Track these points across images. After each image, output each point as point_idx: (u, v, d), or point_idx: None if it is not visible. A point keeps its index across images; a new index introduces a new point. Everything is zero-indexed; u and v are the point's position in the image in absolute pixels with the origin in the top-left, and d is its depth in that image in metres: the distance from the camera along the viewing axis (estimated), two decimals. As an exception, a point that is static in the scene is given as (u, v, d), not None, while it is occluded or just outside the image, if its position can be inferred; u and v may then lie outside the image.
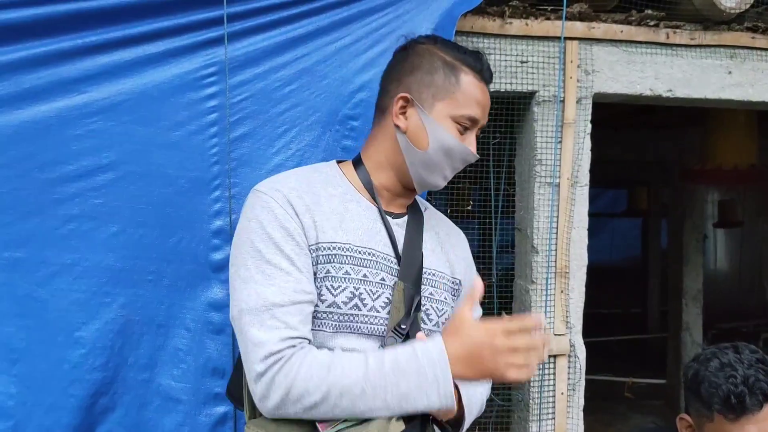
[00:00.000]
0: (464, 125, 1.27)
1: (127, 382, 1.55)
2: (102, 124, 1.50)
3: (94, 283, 1.50)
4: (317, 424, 1.11)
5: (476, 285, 1.16)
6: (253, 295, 1.12)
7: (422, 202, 1.42)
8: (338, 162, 1.35)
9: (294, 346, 1.10)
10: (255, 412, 1.17)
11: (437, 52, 1.28)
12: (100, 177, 1.50)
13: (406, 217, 1.33)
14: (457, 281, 1.38)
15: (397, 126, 1.28)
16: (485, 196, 1.95)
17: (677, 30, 1.92)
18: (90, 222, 1.49)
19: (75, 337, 1.50)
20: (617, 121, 4.75)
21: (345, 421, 1.10)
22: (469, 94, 1.26)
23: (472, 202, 1.88)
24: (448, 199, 1.93)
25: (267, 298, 1.12)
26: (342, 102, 1.64)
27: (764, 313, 8.66)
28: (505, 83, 1.82)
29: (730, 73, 1.96)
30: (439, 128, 1.25)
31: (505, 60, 1.82)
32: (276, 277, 1.13)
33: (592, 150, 1.91)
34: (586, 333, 1.94)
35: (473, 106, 1.26)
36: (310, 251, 1.18)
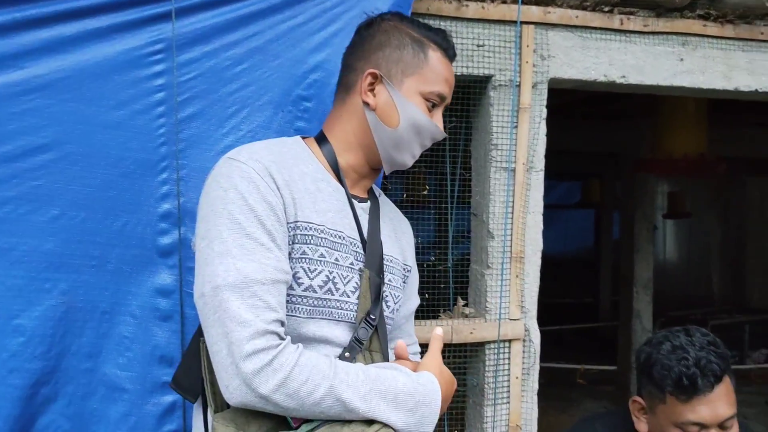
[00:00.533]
0: (433, 101, 1.25)
1: (70, 372, 1.49)
2: (41, 102, 1.42)
3: (33, 268, 1.43)
4: (291, 418, 1.06)
5: (438, 332, 1.22)
6: (232, 271, 1.04)
7: (376, 189, 1.40)
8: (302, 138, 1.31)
9: (282, 331, 1.06)
10: (218, 403, 1.10)
11: (404, 29, 1.26)
12: (38, 157, 1.42)
13: (369, 203, 1.30)
14: (408, 267, 1.38)
15: (365, 103, 1.24)
16: (441, 182, 1.93)
17: (631, 16, 1.93)
18: (27, 205, 1.42)
19: (13, 325, 1.42)
20: (571, 110, 4.81)
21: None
22: (438, 71, 1.25)
23: (428, 187, 1.85)
24: (405, 185, 1.90)
25: (248, 274, 1.04)
26: (295, 82, 1.59)
27: (711, 301, 8.92)
28: (462, 67, 1.80)
29: (681, 60, 1.99)
30: (410, 105, 1.23)
31: (462, 43, 1.80)
32: (257, 252, 1.06)
33: (547, 139, 1.91)
34: (540, 322, 1.94)
35: (441, 83, 1.25)
36: (288, 228, 1.12)
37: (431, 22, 1.78)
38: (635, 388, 1.72)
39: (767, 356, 6.53)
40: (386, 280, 1.26)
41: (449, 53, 1.29)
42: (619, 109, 4.75)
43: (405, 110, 1.23)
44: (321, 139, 1.29)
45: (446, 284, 1.92)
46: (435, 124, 1.26)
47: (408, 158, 1.30)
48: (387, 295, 1.26)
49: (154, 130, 1.51)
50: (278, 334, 1.04)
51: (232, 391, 1.02)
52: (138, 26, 1.48)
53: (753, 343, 6.79)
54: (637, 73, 1.94)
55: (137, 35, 1.48)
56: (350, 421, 1.06)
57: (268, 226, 1.08)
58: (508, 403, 1.88)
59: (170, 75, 1.51)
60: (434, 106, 1.26)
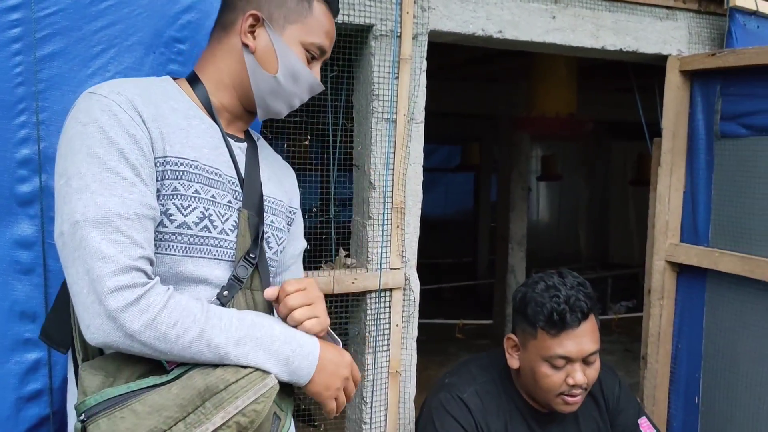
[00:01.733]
0: (313, 53, 1.24)
1: None
2: None
3: None
4: (166, 362, 1.03)
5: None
6: (91, 206, 0.99)
7: (254, 133, 1.37)
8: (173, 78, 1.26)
9: (150, 270, 1.02)
10: (87, 351, 1.06)
11: None
12: None
13: (245, 143, 1.27)
14: (293, 210, 1.37)
15: (245, 45, 1.21)
16: (323, 132, 1.91)
17: (507, -28, 1.98)
18: None
19: None
20: (451, 72, 4.90)
21: None
22: (320, 23, 1.23)
23: (309, 137, 1.83)
24: (286, 134, 1.87)
25: (109, 208, 0.99)
26: (167, 23, 1.51)
27: (579, 258, 9.52)
28: (343, 15, 1.78)
29: (554, 17, 2.06)
30: (290, 52, 1.21)
31: (342, -10, 1.78)
32: (118, 186, 1.01)
33: (427, 101, 1.93)
34: (422, 281, 1.99)
35: (323, 36, 1.24)
36: (156, 164, 1.07)
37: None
38: (512, 326, 1.82)
39: (627, 308, 7.06)
40: (268, 221, 1.25)
41: (333, 7, 1.27)
42: (497, 71, 4.89)
43: (285, 57, 1.21)
44: (193, 79, 1.25)
45: (328, 235, 1.92)
46: (314, 76, 1.25)
47: (283, 108, 1.28)
48: (269, 237, 1.25)
49: (10, 69, 1.37)
50: (145, 272, 1.01)
51: (94, 331, 0.98)
52: (-12, -47, 1.35)
53: (614, 296, 7.33)
54: (513, 28, 2.00)
55: (-12, -37, 1.35)
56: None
57: (131, 160, 1.04)
58: (389, 350, 1.92)
59: (27, 9, 1.38)
60: (313, 58, 1.25)
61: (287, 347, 1.10)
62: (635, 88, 2.71)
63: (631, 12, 2.17)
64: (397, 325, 1.92)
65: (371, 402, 1.90)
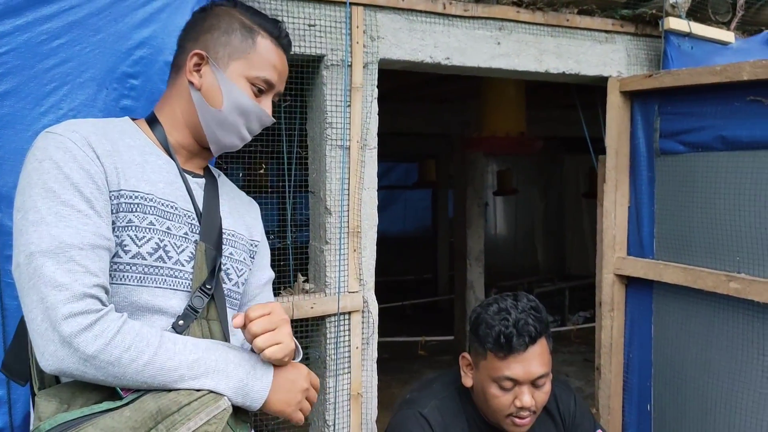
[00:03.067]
0: (259, 87, 1.28)
1: None
2: None
3: None
4: (120, 389, 1.05)
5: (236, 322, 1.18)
6: (45, 237, 1.02)
7: (214, 170, 1.42)
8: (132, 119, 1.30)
9: (105, 297, 1.05)
10: (44, 380, 1.08)
11: (236, 15, 1.29)
12: None
13: (203, 179, 1.32)
14: (255, 242, 1.41)
15: (191, 83, 1.26)
16: (278, 160, 1.95)
17: (453, 1, 2.05)
18: None
19: None
20: (405, 94, 4.98)
21: None
22: (265, 57, 1.28)
23: (264, 166, 1.86)
24: (243, 164, 1.90)
25: (63, 239, 1.03)
26: (119, 59, 1.53)
27: (537, 271, 9.66)
28: (295, 46, 1.82)
29: (499, 43, 2.14)
30: (233, 87, 1.25)
31: (293, 23, 1.82)
32: (72, 218, 1.05)
33: (382, 121, 1.98)
34: (383, 299, 2.03)
35: (269, 69, 1.28)
36: (111, 197, 1.11)
37: (262, 1, 1.78)
38: (467, 345, 1.86)
39: (585, 318, 7.20)
40: (227, 253, 1.28)
41: (282, 42, 1.32)
42: (448, 92, 5.00)
43: (229, 92, 1.25)
44: (152, 120, 1.30)
45: (286, 261, 1.95)
46: (261, 108, 1.29)
47: (235, 140, 1.32)
48: (228, 268, 1.28)
49: (-38, 109, 1.39)
50: (99, 299, 1.04)
51: (48, 357, 1.00)
52: (-62, -5, 1.36)
53: (572, 307, 7.47)
54: (460, 55, 2.07)
55: (-63, 5, 1.36)
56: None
57: (86, 194, 1.08)
58: (350, 373, 1.95)
59: (-22, 49, 1.39)
60: (261, 92, 1.29)
61: (241, 370, 1.13)
62: (579, 106, 2.81)
63: (572, 36, 2.27)
64: (357, 348, 1.95)
65: (333, 425, 1.93)
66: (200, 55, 1.25)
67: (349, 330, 1.94)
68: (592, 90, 2.61)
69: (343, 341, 1.94)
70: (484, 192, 6.19)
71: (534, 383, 1.71)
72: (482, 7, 2.09)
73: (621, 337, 2.36)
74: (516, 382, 1.70)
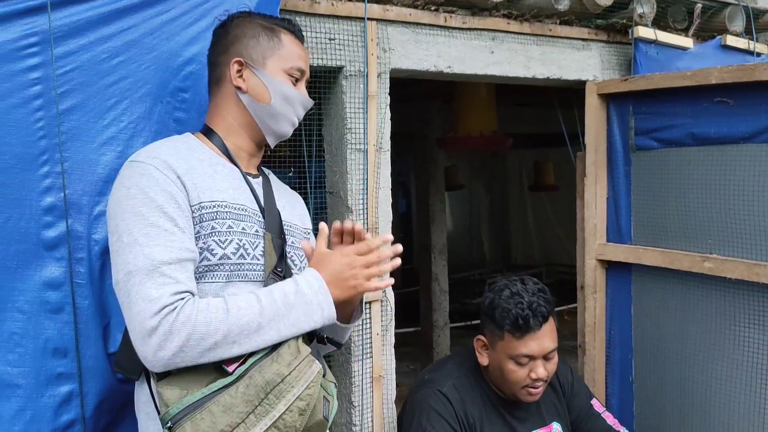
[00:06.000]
0: (295, 76, 1.47)
1: (-42, 374, 1.45)
2: None
3: None
4: (225, 366, 1.20)
5: (323, 226, 1.38)
6: (140, 257, 1.19)
7: (264, 169, 1.57)
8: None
9: (183, 298, 1.19)
10: (160, 373, 1.21)
11: (255, 21, 1.47)
12: None
13: (260, 178, 1.49)
14: (308, 230, 1.59)
15: (238, 88, 1.43)
16: (299, 163, 2.10)
17: (452, 14, 2.24)
18: None
19: None
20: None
21: (252, 354, 1.21)
22: (292, 50, 1.47)
23: (293, 169, 2.02)
24: (273, 168, 2.05)
25: (155, 257, 1.19)
26: (171, 74, 1.66)
27: (484, 262, 10.00)
28: (317, 58, 1.97)
29: (492, 52, 2.34)
30: (276, 80, 1.43)
31: (315, 37, 1.98)
32: (160, 237, 1.21)
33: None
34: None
35: (298, 59, 1.47)
36: (193, 211, 1.28)
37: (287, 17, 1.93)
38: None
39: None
40: (289, 242, 1.45)
41: (298, 35, 1.51)
42: (410, 94, 5.19)
43: (273, 86, 1.43)
44: (207, 132, 1.47)
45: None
46: (302, 93, 1.48)
47: (288, 127, 1.50)
48: (292, 256, 1.45)
49: (32, 123, 1.50)
50: (181, 299, 1.19)
51: (151, 360, 1.18)
52: (9, 20, 1.46)
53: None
54: (460, 63, 2.26)
55: (9, 29, 1.46)
56: (278, 347, 1.24)
57: (170, 213, 1.24)
58: (371, 357, 2.13)
59: (47, 68, 1.50)
60: (297, 80, 1.48)
61: (309, 293, 1.28)
62: (556, 104, 3.04)
63: (554, 45, 2.49)
64: (377, 334, 2.12)
65: (359, 405, 2.10)
66: (240, 62, 1.42)
67: (370, 318, 2.11)
68: (558, 90, 2.85)
69: (365, 329, 2.11)
70: (444, 187, 6.40)
71: (546, 357, 1.93)
72: (478, 19, 2.29)
73: (603, 316, 2.60)
74: (531, 358, 1.91)
